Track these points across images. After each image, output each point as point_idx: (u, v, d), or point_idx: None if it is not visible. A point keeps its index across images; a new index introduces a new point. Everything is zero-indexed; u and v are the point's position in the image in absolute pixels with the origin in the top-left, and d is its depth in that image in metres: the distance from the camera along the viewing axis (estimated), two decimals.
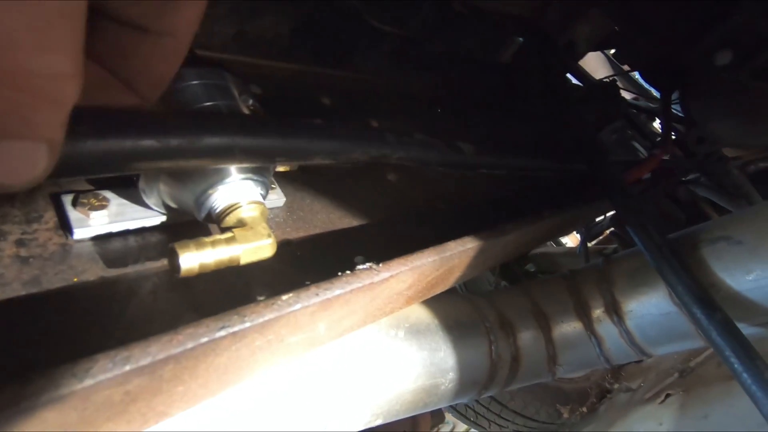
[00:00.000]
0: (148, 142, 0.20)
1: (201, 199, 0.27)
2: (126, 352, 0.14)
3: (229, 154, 0.23)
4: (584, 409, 1.02)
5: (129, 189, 0.30)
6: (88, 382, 0.13)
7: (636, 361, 0.77)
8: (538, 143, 0.80)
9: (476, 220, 0.45)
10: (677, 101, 0.89)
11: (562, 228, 0.82)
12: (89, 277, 0.24)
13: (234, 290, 0.27)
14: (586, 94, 0.76)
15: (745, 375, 0.41)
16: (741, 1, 0.54)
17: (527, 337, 0.57)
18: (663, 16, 0.59)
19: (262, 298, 0.22)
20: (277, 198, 0.34)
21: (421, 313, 0.49)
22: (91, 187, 0.30)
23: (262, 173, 0.29)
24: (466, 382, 0.50)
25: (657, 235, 0.51)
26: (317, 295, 0.21)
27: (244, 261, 0.26)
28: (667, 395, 0.66)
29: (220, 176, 0.28)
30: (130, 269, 0.25)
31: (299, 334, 0.22)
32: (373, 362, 0.42)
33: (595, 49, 0.72)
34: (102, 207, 0.28)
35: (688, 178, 1.04)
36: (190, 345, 0.16)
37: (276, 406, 0.35)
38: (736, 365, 0.42)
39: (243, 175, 0.28)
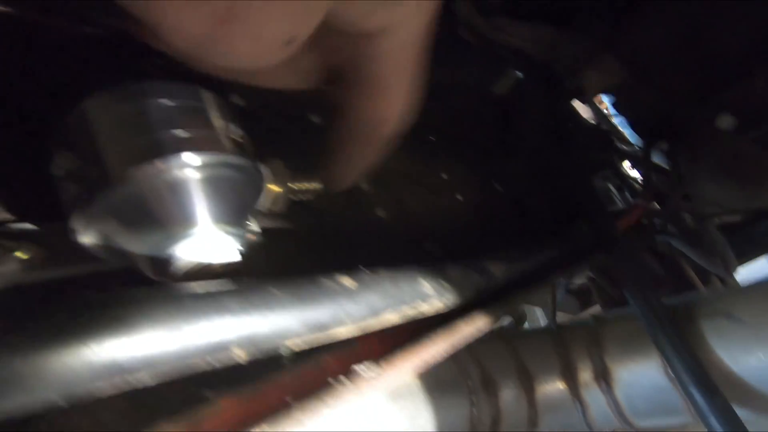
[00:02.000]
0: None
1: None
2: None
3: None
4: None
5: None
6: None
7: None
8: (530, 182, 0.78)
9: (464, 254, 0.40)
10: (658, 150, 0.89)
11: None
12: None
13: None
14: (583, 137, 0.74)
15: None
16: (755, 72, 0.53)
17: (509, 397, 0.52)
18: (674, 72, 0.58)
19: None
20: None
21: None
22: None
23: (242, 224, 0.23)
24: None
25: (656, 302, 0.49)
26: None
27: None
28: None
29: (183, 231, 0.21)
30: None
31: None
32: (353, 425, 0.36)
33: (599, 94, 0.70)
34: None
35: (663, 230, 1.04)
36: None
37: None
38: None
39: (218, 227, 0.22)
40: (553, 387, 0.54)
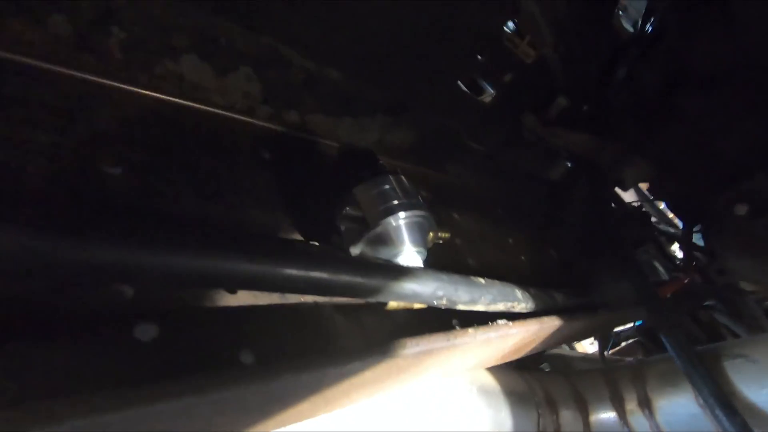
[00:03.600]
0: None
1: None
2: (417, 340, 0.26)
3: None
4: None
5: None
6: (406, 351, 0.25)
7: None
8: (578, 249, 0.94)
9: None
10: (698, 231, 1.03)
11: (601, 327, 0.92)
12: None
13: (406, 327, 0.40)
14: (624, 216, 0.91)
15: None
16: (755, 171, 0.70)
17: (568, 416, 0.65)
18: (693, 169, 0.76)
19: (457, 327, 0.35)
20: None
21: (487, 377, 0.59)
22: None
23: (425, 248, 0.43)
24: None
25: (687, 345, 0.62)
26: (484, 333, 0.33)
27: (416, 306, 0.39)
28: None
29: (399, 249, 0.42)
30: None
31: (460, 360, 0.34)
32: (453, 409, 0.52)
33: (636, 184, 0.88)
34: None
35: (707, 303, 1.14)
36: (438, 345, 0.28)
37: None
38: None
39: (415, 249, 0.42)
40: (605, 413, 0.66)
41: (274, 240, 0.36)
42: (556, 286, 0.79)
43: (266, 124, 0.52)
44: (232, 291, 0.34)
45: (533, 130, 0.80)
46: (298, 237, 0.45)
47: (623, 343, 1.51)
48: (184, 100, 0.45)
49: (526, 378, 0.65)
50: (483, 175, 0.87)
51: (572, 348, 2.37)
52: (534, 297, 0.46)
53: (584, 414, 0.66)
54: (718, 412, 0.55)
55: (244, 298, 0.35)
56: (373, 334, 0.39)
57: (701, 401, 0.59)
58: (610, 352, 1.73)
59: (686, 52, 0.70)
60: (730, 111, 0.68)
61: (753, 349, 0.59)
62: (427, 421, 0.49)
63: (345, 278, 0.28)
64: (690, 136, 0.73)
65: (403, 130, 0.68)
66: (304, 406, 0.29)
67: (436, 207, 0.71)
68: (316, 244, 0.43)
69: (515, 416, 0.58)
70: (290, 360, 0.29)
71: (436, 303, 0.35)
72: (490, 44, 0.80)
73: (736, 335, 1.01)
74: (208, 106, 0.47)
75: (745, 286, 1.06)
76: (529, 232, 0.93)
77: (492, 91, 0.72)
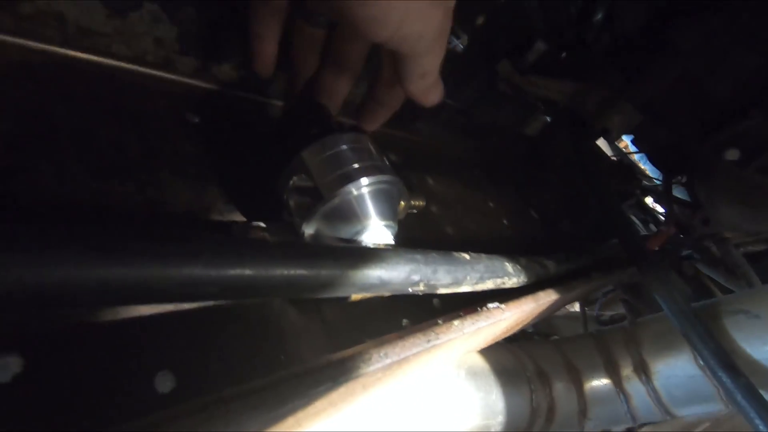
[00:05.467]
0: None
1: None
2: (386, 349, 0.19)
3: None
4: None
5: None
6: (371, 368, 0.18)
7: None
8: (561, 209, 0.89)
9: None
10: (677, 183, 1.00)
11: (592, 293, 0.88)
12: None
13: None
14: (608, 170, 0.86)
15: None
16: (750, 109, 0.64)
17: (561, 389, 0.61)
18: (682, 114, 0.70)
19: (439, 321, 0.28)
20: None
21: (476, 357, 0.53)
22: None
23: (395, 221, 0.35)
24: (510, 427, 0.54)
25: (683, 303, 0.58)
26: (473, 324, 0.26)
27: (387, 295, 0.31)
28: None
29: (364, 225, 0.34)
30: None
31: (446, 356, 0.27)
32: (440, 397, 0.46)
33: (623, 135, 0.82)
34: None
35: (688, 254, 1.13)
36: (414, 350, 0.21)
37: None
38: (760, 426, 0.47)
39: (383, 222, 0.34)
40: (599, 381, 0.62)
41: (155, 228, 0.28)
42: (541, 249, 0.74)
43: (192, 81, 0.42)
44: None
45: (510, 79, 0.71)
46: (239, 218, 0.37)
47: (603, 298, 1.51)
48: (71, 50, 0.34)
49: (515, 352, 0.60)
50: (457, 133, 0.79)
51: None
52: (525, 269, 0.39)
53: (578, 384, 0.62)
54: (719, 372, 0.51)
55: (162, 305, 0.27)
56: (337, 330, 0.32)
57: (701, 362, 0.55)
58: (590, 308, 1.74)
59: None
60: (724, 41, 0.61)
61: (754, 303, 0.55)
62: (412, 412, 0.43)
63: (277, 273, 0.20)
64: (679, 75, 0.66)
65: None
66: None
67: (406, 172, 0.63)
68: (262, 224, 0.35)
69: (507, 396, 0.53)
70: (215, 384, 0.21)
71: (411, 290, 0.28)
72: None
73: (722, 287, 0.99)
74: (106, 58, 0.36)
75: (726, 234, 1.04)
76: (510, 193, 0.86)
77: (463, 36, 0.63)
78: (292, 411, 0.17)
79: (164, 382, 0.24)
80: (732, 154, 0.70)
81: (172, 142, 0.37)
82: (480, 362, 0.53)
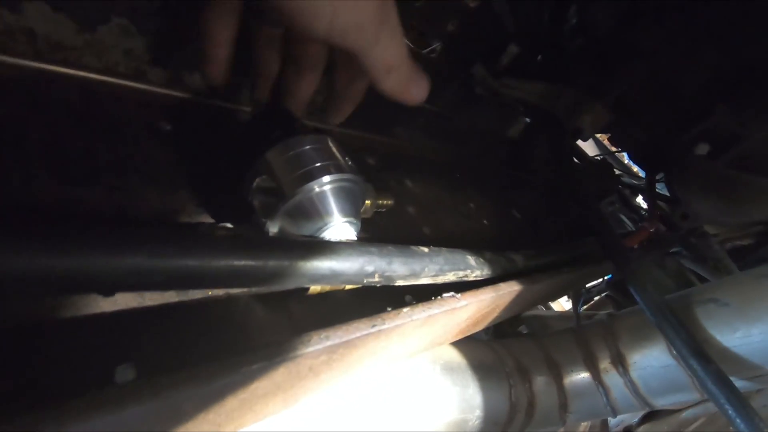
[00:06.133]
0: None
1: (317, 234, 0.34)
2: (327, 332, 0.20)
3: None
4: None
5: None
6: (310, 348, 0.19)
7: None
8: (542, 208, 0.90)
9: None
10: (661, 180, 1.01)
11: (569, 287, 0.89)
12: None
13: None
14: (586, 169, 0.87)
15: (738, 420, 0.47)
16: (716, 105, 0.66)
17: (541, 383, 0.62)
18: (654, 112, 0.72)
19: (389, 309, 0.29)
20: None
21: (452, 353, 0.54)
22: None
23: (357, 218, 0.37)
24: (489, 421, 0.55)
25: (656, 295, 0.59)
26: (424, 311, 0.27)
27: (347, 287, 0.32)
28: None
29: (326, 221, 0.35)
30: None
31: (399, 346, 0.28)
32: (415, 392, 0.47)
33: (595, 134, 0.84)
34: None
35: (673, 250, 1.14)
36: (358, 334, 0.22)
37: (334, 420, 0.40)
38: (730, 411, 0.48)
39: (344, 219, 0.36)
40: (578, 375, 0.63)
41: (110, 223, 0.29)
42: (523, 248, 0.75)
43: (163, 90, 0.44)
44: (107, 294, 0.27)
45: (485, 82, 0.73)
46: (208, 219, 0.38)
47: (596, 298, 1.52)
48: (43, 63, 0.36)
49: (494, 348, 0.61)
50: (436, 137, 0.81)
51: (549, 308, 2.41)
52: (490, 262, 0.40)
53: (558, 379, 0.63)
54: (691, 361, 0.53)
55: (125, 300, 0.28)
56: (303, 326, 0.33)
57: (674, 352, 0.56)
58: (584, 308, 1.75)
59: None
60: (687, 41, 0.63)
61: (723, 291, 0.56)
62: (386, 409, 0.44)
63: (222, 263, 0.21)
64: (648, 75, 0.68)
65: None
66: (198, 426, 0.23)
67: (384, 174, 0.64)
68: (228, 225, 0.36)
69: (485, 391, 0.54)
70: (171, 372, 0.22)
71: (367, 281, 0.29)
72: None
73: (704, 280, 1.01)
74: (78, 70, 0.38)
75: (709, 229, 1.06)
76: (492, 195, 0.88)
77: (437, 43, 0.65)
78: (230, 388, 0.18)
79: (124, 375, 0.25)
80: (702, 149, 0.72)
81: (143, 149, 0.38)
82: (457, 357, 0.54)
